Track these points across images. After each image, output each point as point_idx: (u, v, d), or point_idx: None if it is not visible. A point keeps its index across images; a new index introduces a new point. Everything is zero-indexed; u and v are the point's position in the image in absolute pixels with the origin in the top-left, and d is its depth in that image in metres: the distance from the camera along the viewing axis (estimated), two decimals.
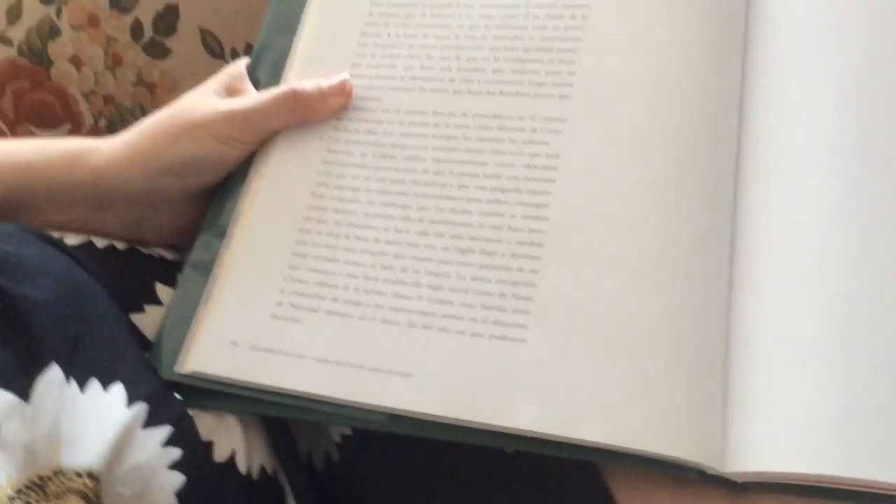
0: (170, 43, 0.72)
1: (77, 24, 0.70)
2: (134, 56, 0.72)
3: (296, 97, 0.42)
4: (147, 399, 0.35)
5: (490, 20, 0.44)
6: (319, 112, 0.43)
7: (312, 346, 0.38)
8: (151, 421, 0.34)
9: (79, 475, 0.32)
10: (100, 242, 0.42)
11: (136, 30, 0.71)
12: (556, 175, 0.39)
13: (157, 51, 0.72)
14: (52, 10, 0.70)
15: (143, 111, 0.75)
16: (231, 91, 0.45)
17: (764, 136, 0.40)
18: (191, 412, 0.37)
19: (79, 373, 0.33)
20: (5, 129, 0.74)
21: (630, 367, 0.35)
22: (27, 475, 0.31)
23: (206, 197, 0.45)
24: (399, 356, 0.37)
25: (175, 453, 0.35)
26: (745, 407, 0.34)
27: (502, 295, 0.37)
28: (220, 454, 0.37)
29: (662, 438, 0.33)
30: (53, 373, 0.32)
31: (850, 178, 0.37)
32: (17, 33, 0.71)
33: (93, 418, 0.33)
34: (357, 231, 0.40)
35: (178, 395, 0.37)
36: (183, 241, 0.47)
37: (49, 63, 0.71)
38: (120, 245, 0.43)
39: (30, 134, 0.74)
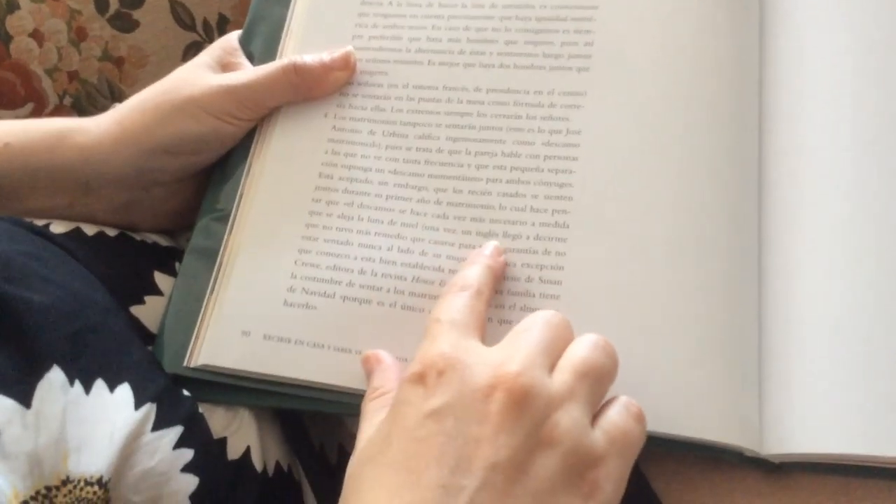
0: (137, 15, 0.68)
1: None
2: (99, 29, 0.68)
3: (297, 71, 0.40)
4: (155, 399, 0.33)
5: None
6: (322, 87, 0.41)
7: (330, 334, 0.36)
8: (161, 422, 0.32)
9: (88, 483, 0.30)
10: (89, 230, 0.39)
11: (101, 1, 0.67)
12: (578, 152, 0.38)
13: (123, 23, 0.68)
14: None
15: (111, 88, 0.71)
16: (224, 66, 0.42)
17: (786, 109, 0.39)
18: (201, 409, 0.35)
19: (83, 374, 0.31)
20: None
21: (665, 350, 0.34)
22: (34, 486, 0.29)
23: (200, 178, 0.43)
24: None
25: (187, 455, 0.33)
26: (781, 388, 0.34)
27: (529, 279, 0.36)
28: (233, 451, 0.35)
29: (703, 422, 0.33)
30: (55, 375, 0.30)
31: (878, 150, 0.37)
32: None
33: (100, 422, 0.31)
34: (370, 213, 0.38)
35: (185, 392, 0.35)
36: (175, 225, 0.44)
37: (8, 38, 0.67)
38: (110, 232, 0.40)
39: None
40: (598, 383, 0.29)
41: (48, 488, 0.29)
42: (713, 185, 0.37)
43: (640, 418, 0.30)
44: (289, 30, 0.44)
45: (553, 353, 0.29)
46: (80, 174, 0.39)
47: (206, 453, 0.34)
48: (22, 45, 0.67)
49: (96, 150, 0.39)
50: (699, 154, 0.37)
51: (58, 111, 0.70)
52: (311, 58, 0.40)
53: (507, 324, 0.35)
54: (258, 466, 0.36)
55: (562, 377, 0.28)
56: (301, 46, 0.42)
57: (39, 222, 0.38)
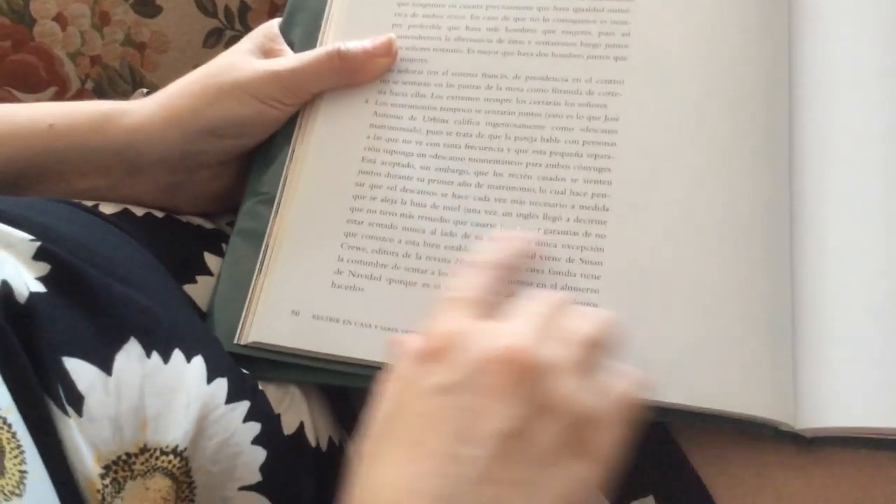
0: (160, 0, 0.69)
1: None
2: (122, 14, 0.68)
3: (341, 57, 0.41)
4: (225, 373, 0.34)
5: None
6: (365, 73, 0.42)
7: (377, 315, 0.37)
8: (232, 396, 0.33)
9: (164, 453, 0.31)
10: (137, 211, 0.40)
11: None
12: (616, 138, 0.39)
13: (146, 8, 0.69)
14: None
15: (133, 73, 0.71)
16: (266, 52, 0.43)
17: (816, 97, 0.40)
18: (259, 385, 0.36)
19: (160, 346, 0.32)
20: None
21: (702, 328, 0.35)
22: (116, 451, 0.30)
23: (242, 161, 0.44)
24: None
25: (256, 428, 0.34)
26: (815, 364, 0.35)
27: (570, 260, 0.37)
28: (288, 427, 0.36)
29: (740, 398, 0.34)
30: (132, 347, 0.31)
31: None
32: None
33: (177, 391, 0.32)
34: (413, 196, 0.39)
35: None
36: (216, 208, 0.45)
37: (32, 22, 0.67)
38: (157, 213, 0.41)
39: (12, 98, 0.70)
40: (596, 352, 0.31)
41: (128, 454, 0.30)
42: (748, 169, 0.38)
43: (638, 384, 0.31)
44: (329, 19, 0.45)
45: (552, 325, 0.31)
46: (125, 156, 0.40)
47: (270, 427, 0.35)
48: (45, 29, 0.68)
49: (142, 131, 0.40)
50: (734, 139, 0.38)
51: (80, 95, 0.71)
52: (354, 44, 0.41)
53: None
54: (312, 441, 0.37)
55: (567, 349, 0.30)
56: (342, 35, 0.43)
57: (88, 203, 0.39)
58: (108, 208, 0.39)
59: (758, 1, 0.41)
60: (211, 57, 0.47)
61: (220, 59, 0.42)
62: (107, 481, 0.29)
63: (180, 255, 0.39)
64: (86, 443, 0.29)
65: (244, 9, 0.71)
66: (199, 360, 0.33)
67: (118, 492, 0.30)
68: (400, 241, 0.39)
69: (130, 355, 0.31)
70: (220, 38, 0.71)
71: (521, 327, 0.30)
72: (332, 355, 0.37)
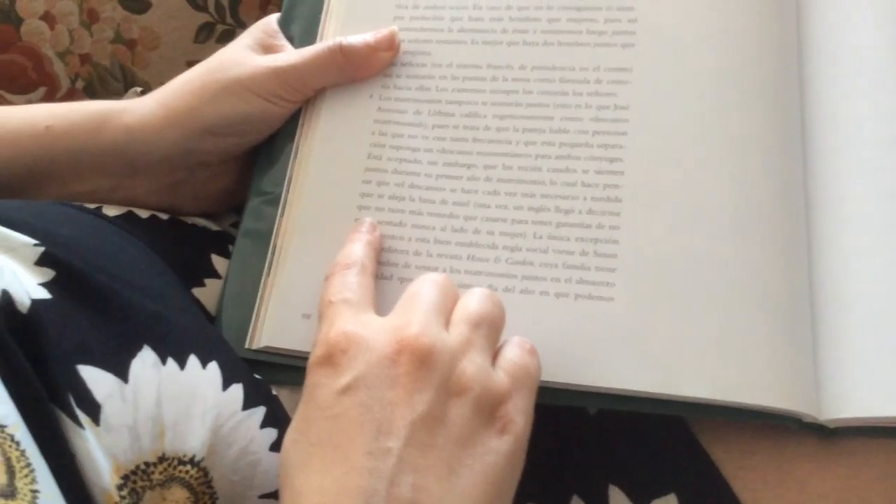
0: None
1: None
2: (111, 11, 0.67)
3: (343, 52, 0.40)
4: (240, 378, 0.33)
5: None
6: (368, 68, 0.41)
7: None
8: (248, 402, 0.33)
9: (182, 462, 0.30)
10: (142, 213, 0.39)
11: None
12: (626, 127, 0.38)
13: (135, 4, 0.67)
14: None
15: (124, 70, 0.70)
16: (266, 48, 0.42)
17: (828, 76, 0.39)
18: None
19: (174, 352, 0.31)
20: None
21: (722, 320, 0.35)
22: (134, 460, 0.29)
23: (244, 160, 0.43)
24: None
25: (273, 434, 0.33)
26: (837, 354, 0.35)
27: (584, 253, 0.36)
28: None
29: (762, 390, 0.34)
30: (147, 354, 0.31)
31: None
32: None
33: (193, 398, 0.31)
34: (422, 193, 0.39)
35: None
36: (218, 208, 0.44)
37: (19, 21, 0.66)
38: (162, 215, 0.40)
39: (1, 100, 0.68)
40: (491, 330, 0.31)
41: (147, 464, 0.30)
42: (762, 155, 0.37)
43: (533, 352, 0.32)
44: (328, 13, 0.44)
45: (445, 310, 0.31)
46: (124, 156, 0.39)
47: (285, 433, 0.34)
48: (33, 28, 0.66)
49: (142, 131, 0.39)
50: (747, 123, 0.38)
51: (70, 95, 0.70)
52: (356, 38, 0.40)
53: (564, 297, 0.36)
54: None
55: (458, 329, 0.30)
56: (342, 29, 0.42)
57: (90, 206, 0.38)
58: (111, 211, 0.39)
59: None
60: (203, 52, 0.46)
61: (219, 55, 0.41)
62: (125, 492, 0.29)
63: (187, 258, 0.39)
64: (103, 453, 0.28)
65: (235, 2, 0.70)
66: (214, 366, 0.32)
67: (136, 503, 0.29)
68: (410, 239, 0.38)
69: (146, 362, 0.30)
70: (212, 32, 0.70)
71: (409, 316, 0.30)
72: None
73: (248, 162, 0.43)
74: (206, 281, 0.38)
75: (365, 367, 0.29)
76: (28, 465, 0.26)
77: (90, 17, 0.67)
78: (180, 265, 0.37)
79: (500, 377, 0.30)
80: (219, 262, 0.40)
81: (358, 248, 0.35)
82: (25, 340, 0.28)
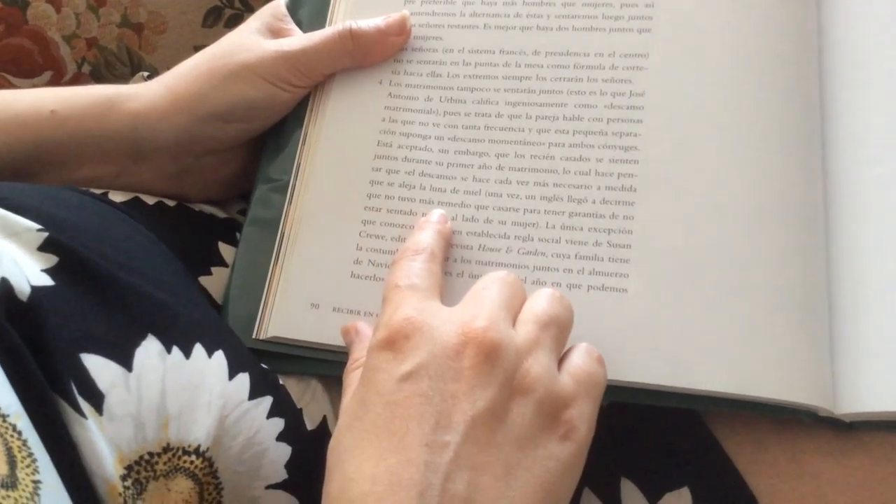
0: None
1: None
2: None
3: (353, 36, 0.39)
4: (247, 368, 0.33)
5: None
6: (378, 53, 0.40)
7: None
8: (254, 391, 0.32)
9: (186, 453, 0.30)
10: (148, 200, 0.39)
11: None
12: (642, 115, 0.37)
13: None
14: None
15: (131, 55, 0.69)
16: (275, 32, 0.41)
17: (847, 64, 0.38)
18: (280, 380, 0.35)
19: (180, 341, 0.31)
20: None
21: (738, 312, 0.34)
22: (138, 450, 0.29)
23: (251, 147, 0.42)
24: None
25: (279, 424, 0.33)
26: (853, 348, 0.34)
27: (597, 243, 0.36)
28: (311, 422, 0.35)
29: (779, 383, 0.33)
30: (151, 344, 0.30)
31: None
32: None
33: (198, 388, 0.31)
34: (432, 181, 0.38)
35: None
36: (225, 195, 0.44)
37: (25, 5, 0.65)
38: (168, 202, 0.40)
39: (7, 84, 0.68)
40: (559, 332, 0.30)
41: (150, 454, 0.29)
42: (780, 145, 0.36)
43: (601, 361, 0.31)
44: None
45: (512, 308, 0.30)
46: (130, 142, 0.39)
47: (294, 423, 0.34)
48: (39, 12, 0.66)
49: (148, 116, 0.39)
50: (766, 112, 0.37)
51: (76, 79, 0.69)
52: (366, 23, 0.40)
53: (576, 288, 0.35)
54: None
55: (525, 329, 0.29)
56: (352, 13, 0.42)
57: (96, 192, 0.38)
58: (117, 197, 0.38)
59: None
60: (210, 37, 0.45)
61: (227, 39, 0.40)
62: (128, 483, 0.28)
63: (194, 246, 0.38)
64: (107, 443, 0.28)
65: None
66: (219, 356, 0.32)
67: (140, 493, 0.29)
68: None
69: (150, 351, 0.30)
70: (220, 16, 0.69)
71: (477, 309, 0.29)
72: None
73: (255, 149, 0.42)
74: (213, 269, 0.38)
75: (428, 356, 0.28)
76: (30, 454, 0.26)
77: (97, 1, 0.66)
78: (187, 253, 0.37)
79: (566, 382, 0.29)
80: (226, 250, 0.39)
81: (428, 236, 0.34)
82: (26, 329, 0.28)
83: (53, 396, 0.28)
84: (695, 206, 0.36)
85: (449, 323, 0.29)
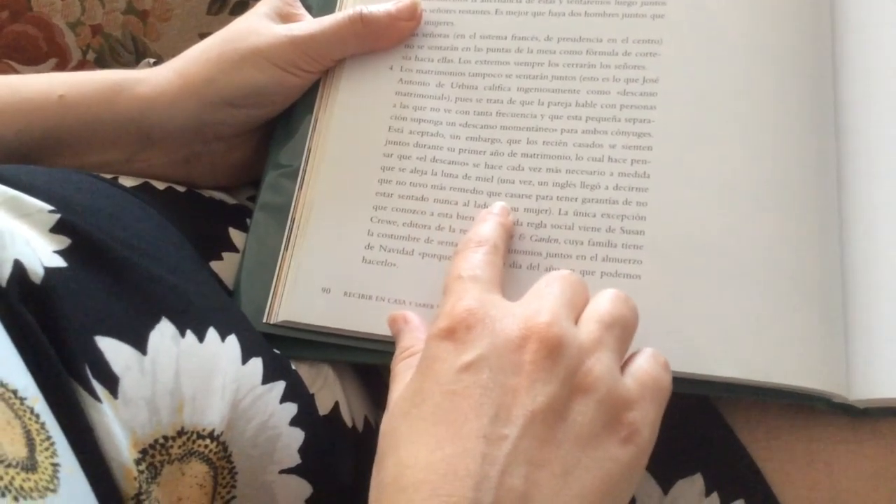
0: None
1: None
2: None
3: (363, 21, 0.39)
4: (259, 352, 0.32)
5: None
6: (388, 38, 0.40)
7: (410, 291, 0.36)
8: (268, 376, 0.32)
9: (200, 437, 0.30)
10: (159, 185, 0.39)
11: None
12: (655, 101, 0.37)
13: None
14: None
15: (136, 42, 0.69)
16: (284, 16, 0.41)
17: (861, 48, 0.38)
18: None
19: (194, 324, 0.31)
20: None
21: (751, 299, 0.34)
22: (153, 434, 0.29)
23: (260, 133, 0.42)
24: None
25: (292, 409, 0.33)
26: (867, 334, 0.34)
27: (610, 230, 0.36)
28: (323, 407, 0.35)
29: (793, 370, 0.33)
30: (165, 327, 0.30)
31: None
32: None
33: (212, 372, 0.31)
34: (444, 167, 0.38)
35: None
36: (234, 181, 0.44)
37: None
38: (178, 187, 0.40)
39: (12, 71, 0.68)
40: (623, 333, 0.30)
41: (165, 438, 0.29)
42: (794, 132, 0.36)
43: (666, 367, 0.30)
44: None
45: (576, 307, 0.30)
46: (139, 127, 0.39)
47: (306, 408, 0.34)
48: None
49: (157, 101, 0.38)
50: (779, 98, 0.37)
51: (81, 66, 0.69)
52: (377, 7, 0.39)
53: (589, 275, 0.35)
54: (348, 422, 0.36)
55: (589, 327, 0.29)
56: None
57: (107, 176, 0.38)
58: (128, 181, 0.38)
59: None
60: (215, 24, 0.45)
61: (236, 24, 0.40)
62: (143, 467, 0.28)
63: (204, 231, 0.38)
64: (121, 427, 0.28)
65: None
66: (233, 340, 0.32)
67: (154, 477, 0.29)
68: (432, 214, 0.37)
69: (164, 334, 0.30)
70: (225, 3, 0.68)
71: (540, 305, 0.29)
72: (366, 333, 0.35)
73: (265, 134, 0.42)
74: (224, 254, 0.38)
75: (489, 348, 0.28)
76: (48, 437, 0.26)
77: None
78: (197, 238, 0.36)
79: (629, 384, 0.28)
80: (236, 236, 0.39)
81: (491, 228, 0.34)
82: (40, 311, 0.27)
83: (68, 380, 0.27)
84: (708, 192, 0.35)
85: (511, 316, 0.28)
